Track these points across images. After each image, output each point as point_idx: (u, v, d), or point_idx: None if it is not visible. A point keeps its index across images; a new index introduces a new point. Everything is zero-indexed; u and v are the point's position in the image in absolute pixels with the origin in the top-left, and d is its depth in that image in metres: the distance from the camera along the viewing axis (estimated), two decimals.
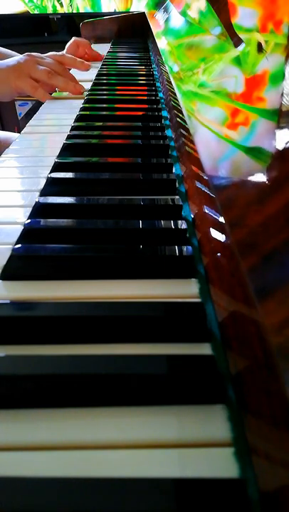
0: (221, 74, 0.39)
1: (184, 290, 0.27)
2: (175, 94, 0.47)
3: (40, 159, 0.46)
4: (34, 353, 0.22)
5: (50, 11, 1.99)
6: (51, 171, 0.42)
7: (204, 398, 0.20)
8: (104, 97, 0.68)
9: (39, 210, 0.34)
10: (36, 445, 0.18)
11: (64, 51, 0.92)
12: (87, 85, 0.74)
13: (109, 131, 0.52)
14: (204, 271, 0.28)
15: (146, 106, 0.62)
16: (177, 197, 0.36)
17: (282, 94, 0.25)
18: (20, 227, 0.31)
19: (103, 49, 1.09)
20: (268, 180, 0.21)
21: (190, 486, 0.16)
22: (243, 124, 0.28)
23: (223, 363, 0.21)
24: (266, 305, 0.16)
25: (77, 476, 0.17)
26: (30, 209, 0.35)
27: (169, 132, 0.53)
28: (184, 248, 0.29)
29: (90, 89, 0.72)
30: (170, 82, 0.53)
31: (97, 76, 0.81)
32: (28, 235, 0.31)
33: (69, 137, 0.50)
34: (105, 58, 0.98)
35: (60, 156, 0.46)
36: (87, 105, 0.62)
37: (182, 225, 0.32)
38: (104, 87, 0.73)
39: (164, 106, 0.63)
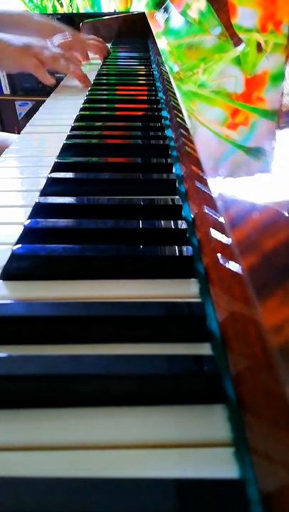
0: (220, 74, 0.39)
1: (184, 290, 0.27)
2: (175, 94, 0.47)
3: (40, 159, 0.46)
4: (34, 353, 0.22)
5: (50, 11, 1.99)
6: (51, 171, 0.42)
7: (204, 398, 0.20)
8: (104, 97, 0.68)
9: (39, 210, 0.34)
10: (36, 445, 0.18)
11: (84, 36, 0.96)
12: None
13: (109, 131, 0.52)
14: (204, 271, 0.28)
15: (146, 106, 0.62)
16: (177, 197, 0.36)
17: (282, 94, 0.25)
18: (21, 227, 0.31)
19: None
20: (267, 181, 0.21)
21: (190, 487, 0.16)
22: (243, 124, 0.28)
23: (223, 363, 0.21)
24: (266, 305, 0.16)
25: (77, 476, 0.17)
26: (30, 209, 0.35)
27: (169, 132, 0.53)
28: (184, 248, 0.29)
29: (90, 89, 0.72)
30: (170, 82, 0.53)
31: (97, 76, 0.81)
32: (28, 235, 0.31)
33: (69, 137, 0.50)
34: (105, 58, 0.98)
35: (60, 156, 0.46)
36: (87, 105, 0.62)
37: (182, 225, 0.32)
38: (104, 87, 0.73)
39: (164, 106, 0.63)
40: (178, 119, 0.45)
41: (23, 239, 0.31)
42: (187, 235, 0.31)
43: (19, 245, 0.29)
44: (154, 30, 0.85)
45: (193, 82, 0.44)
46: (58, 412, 0.19)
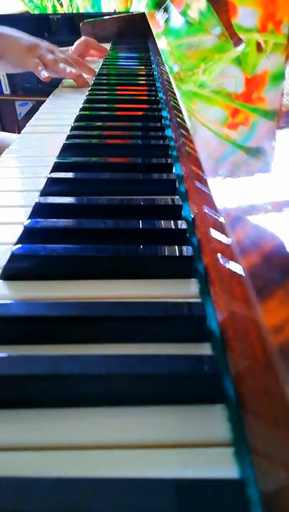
0: (220, 74, 0.39)
1: (184, 290, 0.27)
2: (175, 94, 0.47)
3: (40, 159, 0.46)
4: (34, 353, 0.22)
5: (50, 11, 1.99)
6: (51, 171, 0.42)
7: (204, 398, 0.20)
8: (104, 97, 0.68)
9: (39, 210, 0.34)
10: (36, 445, 0.18)
11: (72, 47, 0.96)
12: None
13: (109, 131, 0.52)
14: (204, 271, 0.28)
15: (146, 106, 0.62)
16: (177, 197, 0.36)
17: (282, 94, 0.25)
18: (21, 227, 0.31)
19: None
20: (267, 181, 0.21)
21: (190, 487, 0.16)
22: (243, 124, 0.28)
23: (223, 363, 0.21)
24: (266, 305, 0.16)
25: (77, 476, 0.17)
26: (30, 209, 0.35)
27: (169, 132, 0.53)
28: (184, 248, 0.29)
29: (90, 89, 0.72)
30: (170, 82, 0.53)
31: (97, 76, 0.81)
32: (28, 235, 0.31)
33: (69, 137, 0.50)
34: (105, 58, 0.98)
35: (60, 156, 0.46)
36: (87, 105, 0.62)
37: (182, 225, 0.32)
38: (104, 87, 0.73)
39: (164, 106, 0.63)
40: (178, 119, 0.45)
41: (23, 239, 0.31)
42: (187, 235, 0.31)
43: (19, 245, 0.29)
44: (154, 31, 0.85)
45: (193, 82, 0.44)
46: (58, 412, 0.19)
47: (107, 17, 1.28)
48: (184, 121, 0.40)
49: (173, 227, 0.31)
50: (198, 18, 0.57)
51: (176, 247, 0.29)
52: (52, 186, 0.39)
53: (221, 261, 0.23)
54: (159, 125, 0.54)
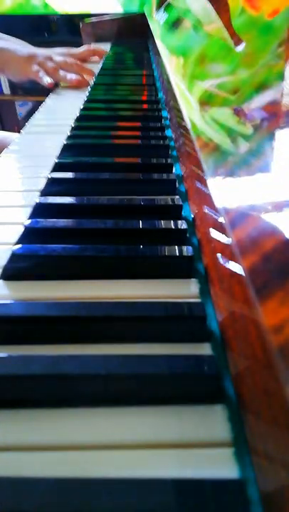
0: (221, 74, 0.39)
1: (184, 290, 0.27)
2: (175, 95, 0.47)
3: (40, 159, 0.46)
4: (34, 353, 0.22)
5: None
6: (51, 171, 0.42)
7: (204, 398, 0.20)
8: (105, 97, 0.68)
9: (39, 210, 0.34)
10: (36, 445, 0.18)
11: (76, 50, 0.96)
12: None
13: (109, 131, 0.52)
14: (204, 271, 0.28)
15: (146, 106, 0.62)
16: (177, 197, 0.36)
17: (282, 94, 0.25)
18: (21, 227, 0.31)
19: (103, 49, 1.09)
20: (267, 180, 0.21)
21: (190, 487, 0.16)
22: (243, 124, 0.28)
23: (223, 363, 0.21)
24: (266, 305, 0.16)
25: (77, 476, 0.17)
26: (30, 209, 0.35)
27: (169, 132, 0.53)
28: (184, 248, 0.29)
29: (91, 89, 0.72)
30: (170, 82, 0.53)
31: (97, 76, 0.81)
32: (29, 235, 0.31)
33: (69, 137, 0.50)
34: (105, 58, 0.98)
35: (60, 156, 0.46)
36: (87, 105, 0.62)
37: (182, 225, 0.32)
38: (104, 87, 0.73)
39: (164, 106, 0.63)
40: (178, 119, 0.45)
41: (23, 239, 0.31)
42: (187, 235, 0.31)
43: (19, 245, 0.29)
44: (154, 31, 0.85)
45: (193, 82, 0.44)
46: (58, 412, 0.19)
47: (107, 17, 1.28)
48: (184, 121, 0.40)
49: (173, 227, 0.31)
50: (199, 18, 0.57)
51: (176, 247, 0.29)
52: (52, 186, 0.39)
53: (221, 261, 0.23)
54: (159, 125, 0.54)
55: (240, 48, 0.37)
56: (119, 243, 0.29)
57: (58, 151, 0.47)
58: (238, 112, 0.30)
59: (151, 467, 0.17)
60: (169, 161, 0.43)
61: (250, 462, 0.17)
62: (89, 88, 0.73)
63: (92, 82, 0.77)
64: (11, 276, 0.28)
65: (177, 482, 0.16)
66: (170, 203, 0.35)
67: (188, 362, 0.21)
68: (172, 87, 0.50)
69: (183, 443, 0.18)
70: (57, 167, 0.42)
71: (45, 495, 0.16)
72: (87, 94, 0.68)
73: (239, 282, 0.19)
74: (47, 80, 0.77)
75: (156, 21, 0.89)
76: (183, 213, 0.35)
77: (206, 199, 0.27)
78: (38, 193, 0.38)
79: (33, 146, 0.50)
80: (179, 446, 0.18)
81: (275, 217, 0.19)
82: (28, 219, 0.33)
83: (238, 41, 0.38)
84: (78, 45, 1.02)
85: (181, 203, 0.35)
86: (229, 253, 0.21)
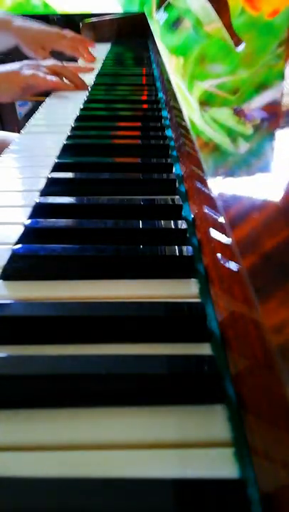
0: (221, 74, 0.39)
1: (184, 290, 0.27)
2: (175, 95, 0.47)
3: (40, 159, 0.46)
4: (34, 353, 0.22)
5: None
6: (51, 171, 0.42)
7: (204, 398, 0.20)
8: (104, 97, 0.68)
9: (39, 210, 0.34)
10: (36, 445, 0.18)
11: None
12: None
13: (109, 131, 0.52)
14: (204, 271, 0.28)
15: (146, 106, 0.62)
16: (177, 197, 0.36)
17: (282, 94, 0.25)
18: (21, 227, 0.31)
19: (103, 49, 1.09)
20: (267, 180, 0.21)
21: (190, 487, 0.16)
22: (243, 124, 0.28)
23: (223, 363, 0.21)
24: (266, 305, 0.16)
25: (77, 476, 0.17)
26: (30, 209, 0.35)
27: (169, 132, 0.53)
28: (184, 248, 0.29)
29: (90, 89, 0.72)
30: (170, 82, 0.53)
31: (97, 76, 0.81)
32: (28, 235, 0.31)
33: (69, 137, 0.50)
34: (105, 58, 0.98)
35: (60, 156, 0.46)
36: (87, 105, 0.62)
37: (182, 225, 0.32)
38: (104, 87, 0.73)
39: (164, 106, 0.63)
40: (178, 119, 0.45)
41: (23, 239, 0.31)
42: (187, 235, 0.31)
43: (19, 245, 0.29)
44: (154, 31, 0.85)
45: (193, 83, 0.44)
46: (58, 412, 0.19)
47: (107, 17, 1.28)
48: (184, 121, 0.40)
49: (173, 227, 0.31)
50: (199, 18, 0.57)
51: (176, 247, 0.29)
52: (52, 186, 0.39)
53: (221, 261, 0.23)
54: (159, 125, 0.54)
55: (240, 48, 0.37)
56: (119, 243, 0.29)
57: (57, 151, 0.47)
58: (238, 112, 0.30)
59: (152, 467, 0.17)
60: (169, 161, 0.43)
61: (250, 462, 0.17)
62: (89, 88, 0.73)
63: (91, 82, 0.77)
64: (10, 276, 0.28)
65: (177, 482, 0.16)
66: (170, 203, 0.35)
67: (189, 362, 0.21)
68: (172, 87, 0.50)
69: (183, 443, 0.18)
70: (57, 167, 0.42)
71: (45, 495, 0.16)
72: (87, 94, 0.68)
73: (239, 282, 0.19)
74: (51, 78, 0.71)
75: (156, 21, 0.89)
76: (183, 213, 0.35)
77: (206, 199, 0.27)
78: (38, 193, 0.38)
79: (33, 146, 0.50)
80: (179, 446, 0.18)
81: (275, 217, 0.19)
82: (28, 219, 0.33)
83: (238, 41, 0.38)
84: None
85: (181, 203, 0.35)
86: (229, 253, 0.21)
